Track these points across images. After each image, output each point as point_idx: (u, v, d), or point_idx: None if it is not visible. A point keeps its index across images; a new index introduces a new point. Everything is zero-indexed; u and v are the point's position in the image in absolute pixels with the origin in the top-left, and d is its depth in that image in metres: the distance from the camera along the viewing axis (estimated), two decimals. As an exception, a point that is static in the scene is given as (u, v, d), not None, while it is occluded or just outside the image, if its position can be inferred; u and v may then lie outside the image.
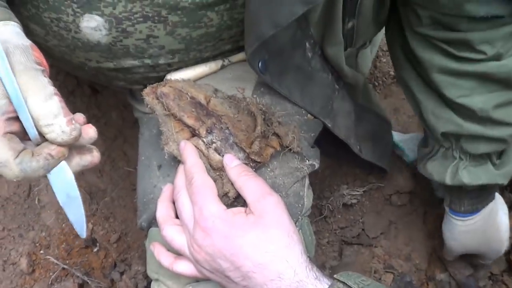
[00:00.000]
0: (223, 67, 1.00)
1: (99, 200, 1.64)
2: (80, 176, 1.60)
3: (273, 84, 0.93)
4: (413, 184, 1.58)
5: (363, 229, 1.57)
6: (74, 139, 0.66)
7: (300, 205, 0.94)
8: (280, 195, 0.88)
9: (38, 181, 1.62)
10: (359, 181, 1.58)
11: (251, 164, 0.88)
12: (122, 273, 1.56)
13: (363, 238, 1.56)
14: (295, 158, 0.93)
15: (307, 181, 0.99)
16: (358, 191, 1.55)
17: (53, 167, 0.67)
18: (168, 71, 0.99)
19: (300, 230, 0.93)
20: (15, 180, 0.64)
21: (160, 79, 0.97)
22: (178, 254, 0.87)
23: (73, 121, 0.65)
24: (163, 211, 0.88)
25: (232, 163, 0.85)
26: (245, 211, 0.80)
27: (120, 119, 1.64)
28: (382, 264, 1.53)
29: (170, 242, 0.85)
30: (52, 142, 0.65)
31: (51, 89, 0.65)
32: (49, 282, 1.52)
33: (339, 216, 1.57)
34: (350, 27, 0.98)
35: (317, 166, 0.98)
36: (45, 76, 0.66)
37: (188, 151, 0.86)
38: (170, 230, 0.85)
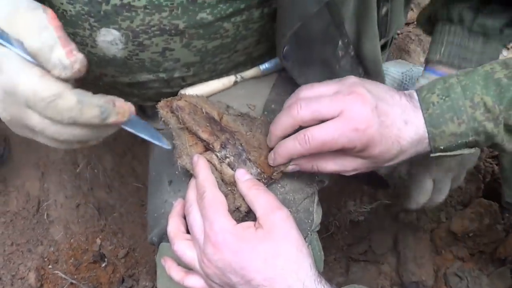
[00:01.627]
0: (235, 83, 1.01)
1: (108, 216, 1.65)
2: (89, 191, 1.65)
3: (292, 72, 0.93)
4: None
5: (370, 246, 1.58)
6: (78, 72, 0.64)
7: (309, 221, 0.95)
8: (290, 210, 0.88)
9: (47, 196, 1.63)
10: (367, 198, 1.59)
11: (263, 180, 0.89)
12: None
13: (370, 255, 1.57)
14: (305, 174, 0.94)
15: (316, 197, 0.99)
16: (365, 208, 1.55)
17: (109, 115, 0.66)
18: (182, 87, 1.00)
19: (309, 246, 0.94)
20: (66, 117, 0.64)
21: (174, 95, 0.97)
22: (188, 269, 0.87)
23: (74, 52, 0.63)
24: (174, 226, 0.88)
25: (244, 177, 0.86)
26: (255, 225, 0.81)
27: (129, 136, 1.54)
28: (388, 281, 1.54)
29: (181, 256, 0.86)
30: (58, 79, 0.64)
31: (44, 19, 0.63)
32: None
33: (346, 233, 1.59)
34: (384, 13, 0.99)
35: (326, 182, 0.99)
36: (43, 12, 0.64)
37: (201, 165, 0.86)
38: (181, 245, 0.86)
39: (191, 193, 0.87)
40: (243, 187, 0.85)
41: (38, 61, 0.63)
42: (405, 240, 1.56)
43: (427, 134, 0.85)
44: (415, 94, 0.87)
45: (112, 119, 0.67)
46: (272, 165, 0.86)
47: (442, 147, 0.86)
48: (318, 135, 0.80)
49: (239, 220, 0.83)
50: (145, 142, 0.81)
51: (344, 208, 1.58)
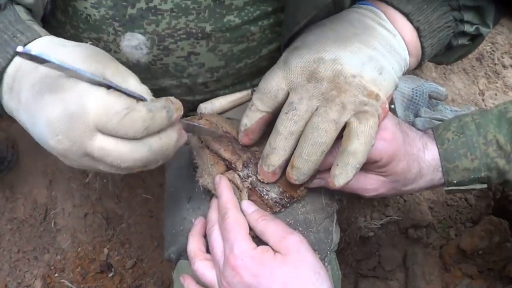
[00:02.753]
0: (253, 92, 1.00)
1: (116, 226, 1.64)
2: (97, 201, 1.64)
3: None
4: (430, 217, 1.57)
5: (379, 262, 1.56)
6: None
7: (329, 241, 0.95)
8: (311, 230, 0.90)
9: (55, 205, 1.62)
10: (377, 214, 1.57)
11: (285, 199, 0.89)
12: None
13: (379, 271, 1.55)
14: (325, 194, 0.94)
15: (335, 216, 1.00)
16: (375, 224, 1.54)
17: (173, 113, 0.68)
18: (204, 93, 1.00)
19: (329, 266, 0.94)
20: (140, 130, 0.64)
21: (195, 103, 0.98)
22: None
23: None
24: (194, 245, 0.88)
25: (250, 209, 0.86)
26: (273, 250, 0.81)
27: None
28: None
29: (200, 276, 0.86)
30: None
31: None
32: None
33: (356, 249, 1.58)
34: None
35: (345, 202, 0.99)
36: None
37: (223, 186, 0.86)
38: (201, 265, 0.86)
39: (213, 214, 0.87)
40: (251, 220, 0.84)
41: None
42: (414, 257, 1.55)
43: (441, 168, 0.88)
44: (430, 131, 0.91)
45: (175, 116, 0.68)
46: (296, 182, 0.84)
47: (455, 181, 0.90)
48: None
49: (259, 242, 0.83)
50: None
51: (354, 224, 1.57)
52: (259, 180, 0.87)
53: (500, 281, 1.52)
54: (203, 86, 0.98)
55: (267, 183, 0.87)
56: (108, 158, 0.64)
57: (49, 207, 1.62)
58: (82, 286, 1.56)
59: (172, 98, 0.69)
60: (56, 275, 1.57)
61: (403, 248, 1.58)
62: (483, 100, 1.83)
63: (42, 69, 0.64)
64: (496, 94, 1.84)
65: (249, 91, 1.01)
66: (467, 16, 0.90)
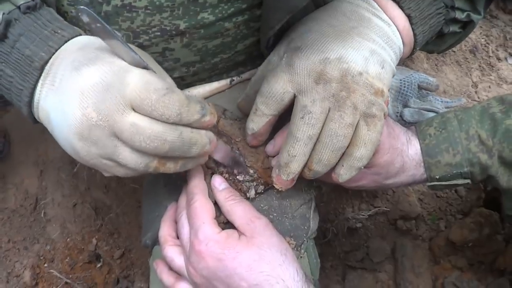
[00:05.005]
0: (232, 84, 1.00)
1: (104, 216, 1.64)
2: (86, 191, 1.65)
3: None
4: (419, 209, 1.56)
5: (367, 254, 1.55)
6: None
7: (306, 228, 0.94)
8: (286, 216, 0.89)
9: (45, 195, 1.63)
10: (365, 205, 1.57)
11: (260, 185, 0.88)
12: None
13: (367, 263, 1.54)
14: (303, 180, 0.92)
15: (313, 203, 0.98)
16: (363, 215, 1.54)
17: (207, 113, 0.68)
18: (181, 86, 0.99)
19: (305, 253, 0.93)
20: (174, 113, 0.64)
21: None
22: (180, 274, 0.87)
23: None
24: (165, 230, 0.88)
25: (220, 186, 0.85)
26: (238, 233, 0.80)
27: None
28: None
29: (170, 262, 0.85)
30: None
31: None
32: None
33: (344, 240, 1.57)
34: None
35: (323, 188, 0.98)
36: None
37: (194, 171, 0.85)
38: (170, 251, 0.85)
39: (183, 199, 0.86)
40: (220, 197, 0.84)
41: None
42: (403, 249, 1.54)
43: (423, 163, 0.89)
44: (413, 127, 0.92)
45: (208, 118, 0.68)
46: (311, 178, 0.84)
47: (437, 177, 0.90)
48: None
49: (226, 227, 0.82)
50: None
51: (342, 214, 1.56)
52: (234, 164, 0.86)
53: (491, 274, 1.51)
54: (179, 80, 0.97)
55: (242, 168, 0.86)
56: (139, 137, 0.64)
57: (39, 197, 1.63)
58: (70, 276, 1.56)
59: (210, 103, 0.72)
60: (45, 265, 1.57)
61: (392, 240, 1.57)
62: (476, 92, 1.83)
63: (86, 47, 0.66)
64: (489, 87, 1.83)
65: (228, 81, 1.00)
66: (458, 3, 0.90)
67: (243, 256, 0.76)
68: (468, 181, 0.91)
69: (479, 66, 1.88)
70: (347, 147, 0.79)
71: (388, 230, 1.58)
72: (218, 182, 0.86)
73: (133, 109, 0.64)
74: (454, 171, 0.89)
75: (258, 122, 0.84)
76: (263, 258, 0.76)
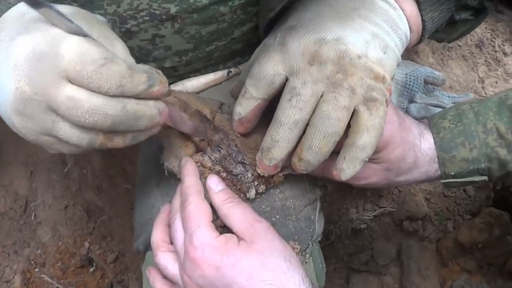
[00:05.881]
0: (229, 76, 0.95)
1: (97, 218, 1.60)
2: (77, 192, 1.61)
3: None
4: (426, 209, 1.52)
5: (372, 256, 1.52)
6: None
7: (311, 230, 0.88)
8: (290, 218, 0.84)
9: (35, 196, 1.60)
10: (370, 205, 1.53)
11: (261, 185, 0.82)
12: None
13: (372, 266, 1.51)
14: (307, 179, 0.88)
15: (318, 204, 0.93)
16: (368, 216, 1.50)
17: (155, 83, 0.64)
18: (173, 77, 0.94)
19: (310, 258, 0.88)
20: (114, 86, 0.59)
21: None
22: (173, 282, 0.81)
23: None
24: (158, 235, 0.82)
25: (217, 188, 0.79)
26: (237, 238, 0.74)
27: None
28: None
29: (163, 270, 0.79)
30: None
31: None
32: None
33: (347, 242, 1.54)
34: None
35: (329, 188, 0.92)
36: None
37: (188, 170, 0.80)
38: (163, 258, 0.79)
39: (177, 201, 0.80)
40: (216, 200, 0.78)
41: None
42: (409, 250, 1.51)
43: (437, 159, 0.84)
44: (426, 120, 0.87)
45: (156, 88, 0.64)
46: (303, 172, 0.77)
47: (452, 173, 0.85)
48: None
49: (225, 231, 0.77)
50: (139, 144, 0.75)
51: (345, 215, 1.52)
52: (231, 163, 0.80)
53: (501, 276, 1.47)
54: (171, 70, 0.92)
55: (242, 167, 0.81)
56: (77, 111, 0.59)
57: (29, 199, 1.60)
58: (62, 281, 1.53)
59: (159, 71, 0.66)
60: (36, 270, 1.54)
61: (398, 242, 1.54)
62: (483, 88, 1.79)
63: (26, 15, 0.63)
64: (496, 82, 1.79)
65: (225, 72, 0.95)
66: None
67: (243, 263, 0.70)
68: (485, 178, 0.86)
69: (485, 61, 1.84)
70: (348, 137, 0.73)
71: (393, 231, 1.54)
72: (215, 182, 0.80)
73: (70, 81, 0.59)
74: (471, 167, 0.84)
75: (246, 106, 0.77)
76: (265, 265, 0.71)
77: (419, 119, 0.91)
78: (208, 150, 0.81)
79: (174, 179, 0.86)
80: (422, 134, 0.86)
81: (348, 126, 0.73)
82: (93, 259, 1.56)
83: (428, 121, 0.89)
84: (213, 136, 0.81)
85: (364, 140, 0.72)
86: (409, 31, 0.81)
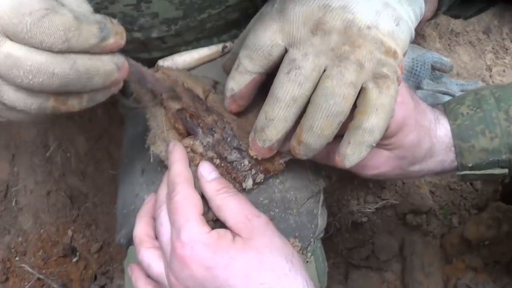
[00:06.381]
0: (224, 48, 0.88)
1: (81, 205, 1.56)
2: (61, 177, 1.56)
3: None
4: (431, 202, 1.49)
5: (373, 251, 1.49)
6: None
7: (313, 226, 0.82)
8: (290, 213, 0.78)
9: (16, 181, 1.55)
10: (371, 197, 1.50)
11: (259, 174, 0.74)
12: (102, 287, 1.51)
13: (373, 261, 1.48)
14: (310, 168, 0.80)
15: (322, 197, 0.86)
16: (369, 208, 1.46)
17: (109, 34, 0.56)
18: (162, 50, 0.86)
19: (312, 256, 0.81)
20: (59, 40, 0.51)
21: (152, 61, 0.84)
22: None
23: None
24: (141, 229, 0.74)
25: (209, 176, 0.71)
26: (232, 233, 0.67)
27: (106, 117, 1.55)
28: None
29: (146, 268, 0.72)
30: None
31: None
32: None
33: (347, 236, 1.51)
34: None
35: (334, 179, 0.85)
36: None
37: (176, 155, 0.72)
38: (147, 254, 0.72)
39: (162, 191, 0.73)
40: (208, 189, 0.70)
41: None
42: (412, 246, 1.48)
43: (454, 148, 0.79)
44: (440, 106, 0.83)
45: (111, 40, 0.56)
46: (303, 157, 0.69)
47: (470, 165, 0.79)
48: None
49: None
50: (124, 124, 0.67)
51: (345, 207, 1.49)
52: (226, 149, 0.73)
53: (507, 274, 1.45)
54: (159, 41, 0.85)
55: (238, 153, 0.73)
56: (18, 71, 0.51)
57: (10, 184, 1.56)
58: (43, 271, 1.49)
59: (114, 20, 0.58)
60: (17, 258, 1.51)
61: (400, 236, 1.51)
62: (490, 76, 1.75)
63: None
64: (504, 71, 1.75)
65: (219, 47, 0.88)
66: None
67: (238, 263, 0.63)
68: (506, 171, 0.79)
69: (493, 48, 1.80)
70: (354, 118, 0.65)
71: (396, 225, 1.52)
72: (207, 170, 0.72)
73: (9, 38, 0.51)
74: (491, 158, 0.78)
75: (239, 81, 0.69)
76: (263, 265, 0.63)
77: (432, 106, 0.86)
78: (199, 133, 0.73)
79: (160, 165, 0.80)
80: (438, 119, 0.79)
81: (354, 106, 0.65)
82: (76, 248, 1.53)
83: (444, 107, 0.82)
84: (205, 118, 0.73)
85: (372, 122, 0.64)
86: (423, 3, 0.74)
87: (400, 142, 0.74)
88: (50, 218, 1.54)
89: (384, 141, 0.72)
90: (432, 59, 1.38)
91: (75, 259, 1.51)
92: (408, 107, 0.73)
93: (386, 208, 1.50)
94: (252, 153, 0.70)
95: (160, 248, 0.70)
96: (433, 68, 1.39)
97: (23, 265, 1.47)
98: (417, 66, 1.36)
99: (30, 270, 1.47)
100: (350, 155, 0.66)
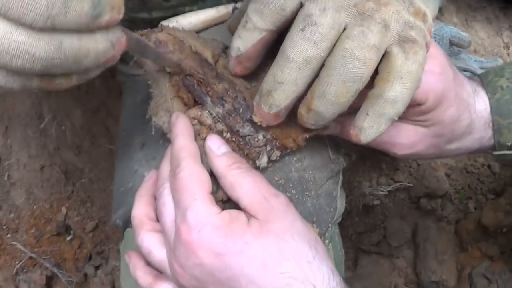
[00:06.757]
0: (234, 10, 0.81)
1: (76, 181, 1.52)
2: (55, 151, 1.52)
3: None
4: (447, 186, 1.44)
5: (384, 236, 1.45)
6: None
7: (331, 210, 0.75)
8: (308, 194, 0.70)
9: (9, 155, 1.52)
10: (384, 179, 1.44)
11: (274, 150, 0.67)
12: (97, 268, 1.47)
13: (384, 247, 1.45)
14: (329, 145, 0.74)
15: (341, 177, 0.79)
16: (382, 191, 1.41)
17: (103, 11, 0.48)
18: (164, 11, 0.79)
19: (330, 243, 0.74)
20: (43, 17, 0.43)
21: (152, 24, 0.75)
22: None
23: None
24: (141, 209, 0.67)
25: (219, 150, 0.64)
26: (246, 215, 0.60)
27: (104, 88, 1.49)
28: (403, 278, 1.45)
29: (146, 254, 0.65)
30: None
31: None
32: (14, 272, 1.43)
33: (357, 219, 1.47)
34: None
35: (353, 157, 0.78)
36: None
37: (180, 127, 0.64)
38: (148, 239, 0.64)
39: (165, 167, 0.65)
40: (219, 165, 0.63)
41: None
42: (425, 231, 1.44)
43: (492, 124, 0.74)
44: (476, 78, 0.77)
45: (106, 18, 0.48)
46: (312, 127, 0.62)
47: (509, 144, 0.74)
48: None
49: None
50: (122, 96, 0.61)
51: (357, 189, 1.43)
52: (238, 121, 0.66)
53: None
54: (161, 0, 0.80)
55: (251, 127, 0.66)
56: None
57: (3, 158, 1.52)
58: (36, 250, 1.45)
59: None
60: (8, 235, 1.47)
61: (413, 221, 1.47)
62: (508, 54, 1.69)
63: None
64: None
65: (229, 8, 0.81)
66: None
67: (254, 249, 0.56)
68: None
69: (510, 26, 1.75)
70: (374, 86, 0.59)
71: (409, 209, 1.48)
72: (216, 143, 0.64)
73: None
74: None
75: (246, 39, 0.61)
76: (283, 252, 0.57)
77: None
78: (208, 102, 0.65)
79: (163, 139, 0.73)
80: (476, 92, 0.73)
81: (375, 73, 0.59)
82: (70, 226, 1.49)
83: (480, 78, 0.76)
84: (215, 85, 0.65)
85: (396, 91, 0.58)
86: None
87: (439, 118, 0.67)
88: (43, 194, 1.50)
89: (420, 117, 0.66)
90: (451, 33, 1.34)
91: (69, 238, 1.48)
92: (448, 78, 0.66)
93: (399, 191, 1.46)
94: (256, 119, 0.63)
95: (163, 231, 0.63)
96: (451, 43, 1.35)
97: (14, 242, 1.43)
98: (435, 41, 1.31)
99: (22, 248, 1.43)
100: (368, 128, 0.60)
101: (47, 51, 0.45)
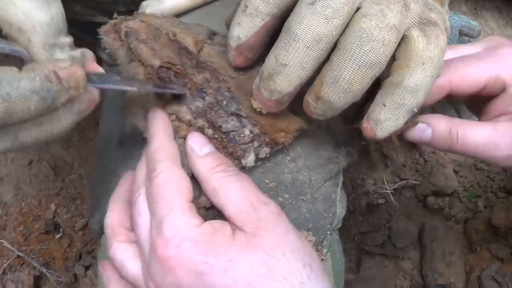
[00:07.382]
0: None
1: (65, 177, 1.50)
2: (43, 146, 1.52)
3: None
4: (455, 184, 1.41)
5: (389, 237, 1.43)
6: None
7: (330, 215, 0.68)
8: (303, 199, 0.65)
9: None
10: (390, 176, 1.42)
11: (263, 146, 0.61)
12: (87, 267, 1.44)
13: (388, 248, 1.42)
14: (327, 142, 0.67)
15: (341, 178, 0.73)
16: (387, 189, 1.37)
17: (58, 95, 0.47)
18: None
19: (328, 252, 0.69)
20: None
21: (135, 4, 0.73)
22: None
23: None
24: (114, 217, 0.61)
25: (202, 150, 0.58)
26: (231, 226, 0.54)
27: None
28: (408, 281, 1.43)
29: (120, 268, 0.58)
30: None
31: None
32: (1, 271, 1.41)
33: (361, 219, 1.45)
34: None
35: (356, 156, 0.71)
36: None
37: (156, 125, 0.59)
38: (120, 250, 0.58)
39: (141, 169, 0.59)
40: (201, 167, 0.57)
41: None
42: (432, 232, 1.42)
43: None
44: None
45: (62, 99, 0.48)
46: (320, 117, 0.56)
47: None
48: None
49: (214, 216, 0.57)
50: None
51: (360, 187, 1.40)
52: (221, 115, 0.60)
53: None
54: None
55: (238, 122, 0.60)
56: None
57: None
58: (24, 248, 1.43)
59: (68, 63, 0.48)
60: None
61: (420, 221, 1.44)
62: None
63: None
64: None
65: None
66: None
67: (240, 268, 0.51)
68: None
69: None
70: (392, 73, 0.53)
71: (415, 208, 1.45)
72: (198, 142, 0.58)
73: None
74: None
75: (247, 26, 0.55)
76: (273, 272, 0.51)
77: None
78: (187, 96, 0.58)
79: (141, 135, 0.65)
80: None
81: (391, 59, 0.54)
82: (59, 224, 1.47)
83: None
84: (194, 76, 0.59)
85: (417, 78, 0.53)
86: None
87: None
88: (32, 190, 1.49)
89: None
90: (460, 23, 1.32)
91: (58, 236, 1.45)
92: None
93: (405, 189, 1.44)
94: (255, 104, 0.57)
95: (137, 242, 0.57)
96: (461, 33, 1.33)
97: (2, 240, 1.42)
98: (445, 31, 1.29)
99: (10, 246, 1.41)
100: (384, 121, 0.55)
101: (4, 145, 0.47)
